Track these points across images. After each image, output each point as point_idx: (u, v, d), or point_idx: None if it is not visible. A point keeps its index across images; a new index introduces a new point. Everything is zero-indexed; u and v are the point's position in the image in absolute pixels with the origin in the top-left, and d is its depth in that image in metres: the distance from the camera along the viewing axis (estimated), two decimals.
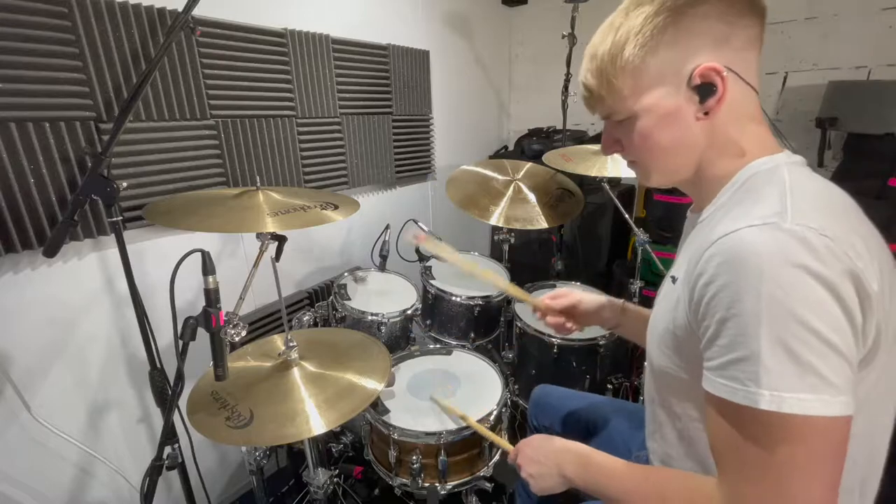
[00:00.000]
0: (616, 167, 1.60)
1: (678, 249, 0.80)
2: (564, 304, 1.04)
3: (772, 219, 0.52)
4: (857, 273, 0.50)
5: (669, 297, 0.67)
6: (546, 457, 0.79)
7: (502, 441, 1.05)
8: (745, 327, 0.51)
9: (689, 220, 0.79)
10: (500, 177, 1.84)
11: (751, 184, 0.62)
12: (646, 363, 0.78)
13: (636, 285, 1.74)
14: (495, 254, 2.14)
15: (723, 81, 0.60)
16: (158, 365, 1.08)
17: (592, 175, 1.61)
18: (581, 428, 1.08)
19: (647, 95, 0.63)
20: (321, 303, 1.68)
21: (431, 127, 2.42)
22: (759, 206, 0.55)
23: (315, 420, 0.93)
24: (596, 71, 0.66)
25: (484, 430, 1.09)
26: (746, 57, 0.61)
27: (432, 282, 1.67)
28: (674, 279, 0.68)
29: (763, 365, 0.50)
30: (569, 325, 1.05)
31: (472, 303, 1.62)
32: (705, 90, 0.61)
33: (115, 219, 0.99)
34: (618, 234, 2.48)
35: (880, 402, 0.59)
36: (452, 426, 1.15)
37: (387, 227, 1.76)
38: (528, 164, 1.88)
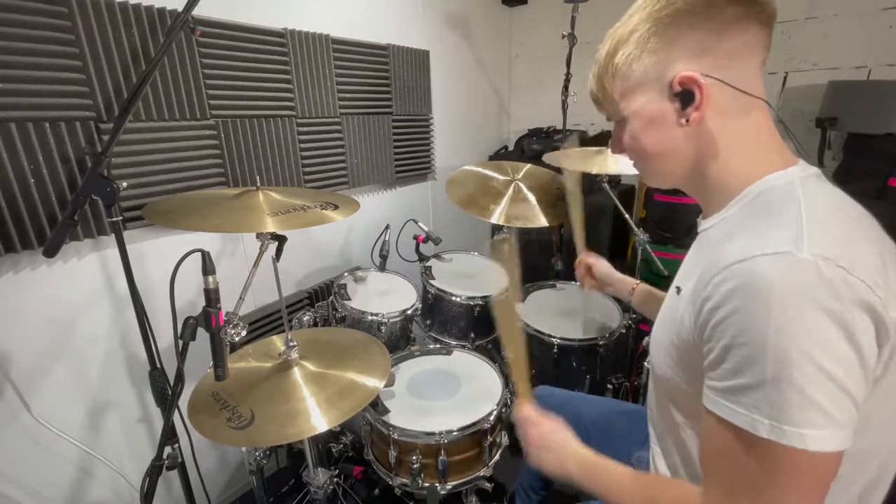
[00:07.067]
0: (616, 167, 1.60)
1: (687, 254, 0.78)
2: (589, 262, 1.28)
3: (786, 247, 0.50)
4: (874, 306, 0.49)
5: (673, 308, 0.67)
6: (556, 444, 0.81)
7: (526, 387, 0.97)
8: (751, 357, 0.50)
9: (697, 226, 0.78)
10: (500, 177, 1.84)
11: (762, 200, 0.60)
12: (648, 367, 0.79)
13: None
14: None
15: (700, 89, 0.59)
16: (158, 365, 1.08)
17: (593, 174, 1.61)
18: (581, 428, 1.07)
19: (634, 100, 0.66)
20: (321, 303, 1.68)
21: (431, 127, 2.42)
22: (773, 231, 0.54)
23: (316, 419, 0.93)
24: (595, 76, 0.70)
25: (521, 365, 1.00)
26: (739, 64, 0.60)
27: (432, 282, 1.67)
28: (678, 290, 0.67)
29: (767, 396, 0.49)
30: (589, 281, 1.28)
31: (471, 303, 1.62)
32: (686, 98, 0.61)
33: (115, 219, 0.99)
34: (618, 234, 2.48)
35: (889, 421, 0.57)
36: (452, 426, 1.15)
37: (387, 227, 1.76)
38: (528, 166, 1.88)
